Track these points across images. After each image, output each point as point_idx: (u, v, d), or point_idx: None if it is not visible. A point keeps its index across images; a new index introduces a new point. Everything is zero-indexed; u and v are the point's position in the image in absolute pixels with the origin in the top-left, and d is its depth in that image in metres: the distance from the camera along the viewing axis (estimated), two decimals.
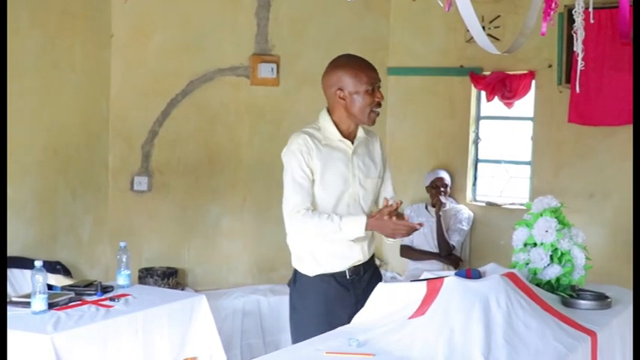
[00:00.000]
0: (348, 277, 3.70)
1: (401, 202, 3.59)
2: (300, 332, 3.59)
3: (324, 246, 3.66)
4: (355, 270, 3.72)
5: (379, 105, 3.68)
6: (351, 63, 3.70)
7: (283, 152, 3.70)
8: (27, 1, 5.48)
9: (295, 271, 3.78)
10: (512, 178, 6.84)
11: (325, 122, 3.71)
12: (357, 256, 3.72)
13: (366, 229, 3.53)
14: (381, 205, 3.76)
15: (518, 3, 6.31)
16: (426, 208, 6.60)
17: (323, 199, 3.64)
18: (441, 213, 6.41)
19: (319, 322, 3.46)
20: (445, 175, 6.61)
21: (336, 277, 3.69)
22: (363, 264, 3.76)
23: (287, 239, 3.80)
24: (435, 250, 6.44)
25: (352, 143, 3.73)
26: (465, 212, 6.59)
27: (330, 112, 3.74)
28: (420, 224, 3.62)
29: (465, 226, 6.52)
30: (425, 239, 6.42)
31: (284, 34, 6.64)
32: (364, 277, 3.72)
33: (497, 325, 2.84)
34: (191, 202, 6.54)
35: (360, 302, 3.38)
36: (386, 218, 3.51)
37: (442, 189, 6.52)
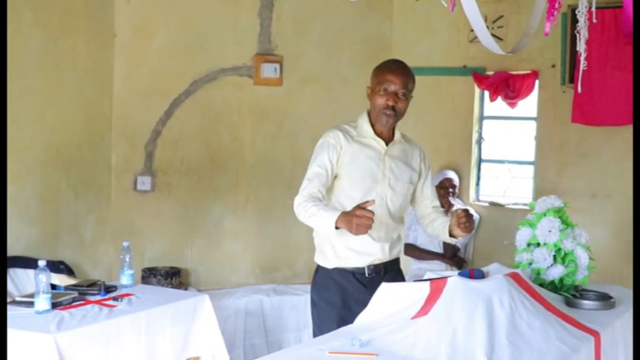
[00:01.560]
0: (367, 274, 3.75)
1: (374, 201, 3.53)
2: (318, 325, 3.66)
3: (344, 240, 3.69)
4: (375, 268, 3.77)
5: (390, 108, 3.73)
6: (381, 64, 3.84)
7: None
8: (30, 0, 5.48)
9: (317, 267, 3.86)
10: (516, 178, 6.83)
11: (362, 120, 3.82)
12: (376, 254, 3.77)
13: (336, 224, 3.45)
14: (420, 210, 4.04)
15: (521, 3, 6.31)
16: None
17: (349, 193, 3.72)
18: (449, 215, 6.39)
19: (335, 315, 3.52)
20: (453, 176, 6.58)
21: (355, 274, 3.75)
22: (384, 264, 3.81)
23: (313, 232, 3.88)
24: (439, 250, 6.42)
25: (387, 143, 3.81)
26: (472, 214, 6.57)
27: (369, 112, 3.85)
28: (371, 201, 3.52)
29: None
30: (429, 238, 6.34)
31: (287, 34, 6.64)
32: (384, 278, 3.72)
33: (501, 325, 2.84)
34: (194, 202, 6.54)
35: None
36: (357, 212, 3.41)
37: (450, 190, 6.49)
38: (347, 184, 3.73)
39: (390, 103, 3.72)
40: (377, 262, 3.78)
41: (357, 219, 3.36)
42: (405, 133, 3.98)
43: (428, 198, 4.01)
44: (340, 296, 3.72)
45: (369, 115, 3.83)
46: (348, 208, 3.60)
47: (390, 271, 3.84)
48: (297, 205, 3.62)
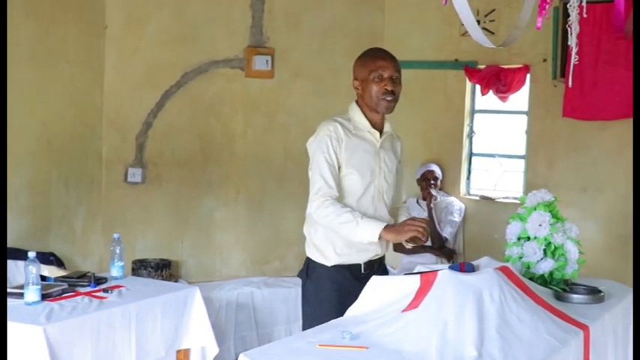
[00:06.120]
0: (362, 270, 3.72)
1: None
2: (310, 323, 3.55)
3: (345, 238, 3.65)
4: (370, 264, 3.76)
5: (389, 93, 3.67)
6: (366, 53, 3.78)
7: (310, 140, 3.71)
8: None
9: (309, 261, 3.79)
10: (506, 172, 6.84)
11: (354, 112, 3.75)
12: (375, 249, 3.75)
13: (380, 233, 3.55)
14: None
15: None
16: (417, 202, 6.61)
17: (351, 189, 3.68)
18: (432, 206, 6.42)
19: (332, 313, 3.43)
20: (436, 169, 6.62)
21: (352, 270, 3.71)
22: (379, 259, 3.82)
23: (304, 227, 3.82)
24: (428, 243, 6.43)
25: (380, 135, 3.77)
26: (456, 204, 6.60)
27: (358, 104, 3.78)
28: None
29: (457, 218, 6.53)
30: None
31: (279, 27, 6.63)
32: (376, 273, 3.69)
33: (491, 318, 2.84)
34: (185, 194, 6.53)
35: None
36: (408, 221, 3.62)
37: (433, 182, 6.54)
38: (348, 179, 3.68)
39: (390, 88, 3.67)
40: (374, 258, 3.77)
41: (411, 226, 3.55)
42: (396, 127, 3.97)
43: (401, 190, 4.02)
44: (337, 294, 3.67)
45: (359, 105, 3.77)
46: (350, 206, 3.64)
47: (380, 265, 3.84)
48: (327, 212, 3.56)
